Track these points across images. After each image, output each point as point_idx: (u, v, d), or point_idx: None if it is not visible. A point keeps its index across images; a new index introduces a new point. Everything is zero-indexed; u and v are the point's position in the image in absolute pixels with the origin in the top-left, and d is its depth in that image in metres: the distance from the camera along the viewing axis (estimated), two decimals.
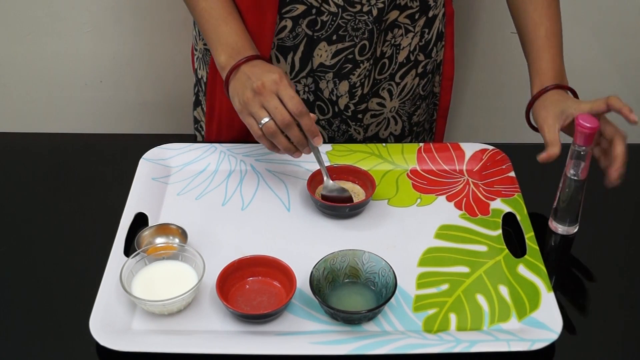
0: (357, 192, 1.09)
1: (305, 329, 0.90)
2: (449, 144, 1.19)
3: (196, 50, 1.27)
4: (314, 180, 1.09)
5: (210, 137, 1.26)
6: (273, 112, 0.99)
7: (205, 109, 1.29)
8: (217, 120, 1.23)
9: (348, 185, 1.10)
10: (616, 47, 1.83)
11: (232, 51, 1.06)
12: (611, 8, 1.76)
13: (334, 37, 1.14)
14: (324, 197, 1.07)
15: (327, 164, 1.12)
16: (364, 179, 1.10)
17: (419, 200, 1.10)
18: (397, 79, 1.23)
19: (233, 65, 1.04)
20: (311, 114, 1.01)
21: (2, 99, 1.86)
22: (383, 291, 0.92)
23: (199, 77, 1.29)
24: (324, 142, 1.24)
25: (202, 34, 1.12)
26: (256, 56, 1.06)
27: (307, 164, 1.15)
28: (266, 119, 0.99)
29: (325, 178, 1.08)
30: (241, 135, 1.23)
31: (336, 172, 1.11)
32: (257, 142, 1.25)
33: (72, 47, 1.77)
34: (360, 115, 1.24)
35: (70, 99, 1.85)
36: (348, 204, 1.05)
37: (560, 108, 1.04)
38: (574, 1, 1.75)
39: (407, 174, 1.15)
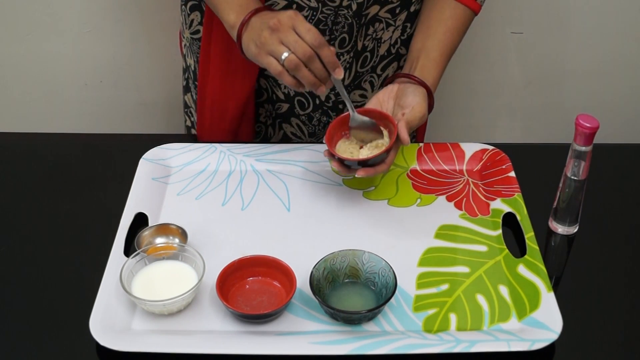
0: (384, 137, 1.06)
1: (305, 329, 0.90)
2: (449, 144, 1.19)
3: (184, 37, 1.28)
4: (331, 136, 1.06)
5: (203, 127, 1.26)
6: (293, 46, 0.97)
7: (194, 96, 1.30)
8: (209, 110, 1.23)
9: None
10: (616, 47, 1.83)
11: (239, 8, 1.05)
12: (611, 8, 1.76)
13: None
14: (352, 129, 1.05)
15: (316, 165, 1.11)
16: (381, 119, 1.06)
17: (419, 200, 1.10)
18: (378, 71, 1.25)
19: (243, 19, 1.03)
20: (330, 47, 0.99)
21: (2, 99, 1.86)
22: (383, 291, 0.92)
23: (188, 64, 1.29)
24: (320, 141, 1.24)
25: (208, 1, 1.11)
26: (263, 7, 1.05)
27: (307, 163, 1.15)
28: (287, 54, 0.98)
29: (350, 111, 1.05)
30: (233, 125, 1.23)
31: (361, 114, 1.07)
32: (256, 142, 1.26)
33: (72, 47, 1.77)
34: (341, 106, 1.25)
35: (70, 99, 1.85)
36: (364, 158, 1.02)
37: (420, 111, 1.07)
38: (575, 1, 1.75)
39: (407, 174, 1.15)
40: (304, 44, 0.97)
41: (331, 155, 1.04)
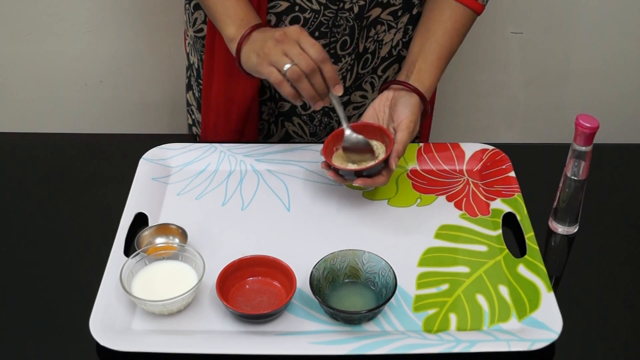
0: (381, 152, 1.07)
1: (305, 329, 0.90)
2: (449, 144, 1.19)
3: (188, 36, 1.28)
4: (328, 148, 1.07)
5: (207, 128, 1.26)
6: (297, 58, 0.98)
7: (196, 94, 1.30)
8: (215, 111, 1.23)
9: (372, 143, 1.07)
10: (616, 47, 1.83)
11: (241, 22, 1.06)
12: (611, 8, 1.76)
13: (316, 34, 1.15)
14: (345, 149, 1.06)
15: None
16: (379, 133, 1.07)
17: (419, 200, 1.10)
18: (379, 72, 1.25)
19: (244, 33, 1.04)
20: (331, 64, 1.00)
21: (2, 99, 1.86)
22: (383, 291, 0.92)
23: (191, 62, 1.30)
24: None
25: (208, 11, 1.11)
26: (264, 24, 1.06)
27: (307, 163, 1.15)
28: (290, 65, 0.98)
29: (345, 128, 1.05)
30: (239, 125, 1.23)
31: (358, 129, 1.08)
32: (256, 142, 1.26)
33: (72, 47, 1.77)
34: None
35: (70, 99, 1.85)
36: (364, 167, 1.03)
37: (410, 122, 1.07)
38: (574, 1, 1.75)
39: (407, 174, 1.15)
40: (307, 58, 0.98)
41: (327, 166, 1.05)
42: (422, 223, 1.06)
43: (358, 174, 1.03)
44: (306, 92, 0.99)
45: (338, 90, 1.01)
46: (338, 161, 1.07)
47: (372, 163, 1.04)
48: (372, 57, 1.22)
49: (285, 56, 0.99)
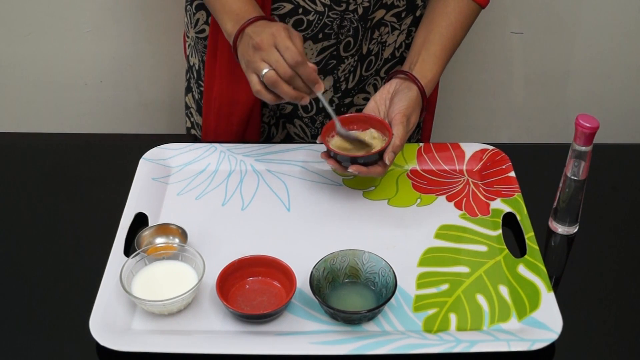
0: (376, 137, 1.07)
1: (305, 329, 0.90)
2: (449, 144, 1.19)
3: (188, 37, 1.28)
4: (327, 131, 1.07)
5: (208, 130, 1.26)
6: (275, 65, 0.98)
7: (195, 96, 1.30)
8: (216, 114, 1.23)
9: (366, 134, 1.08)
10: (616, 47, 1.83)
11: (236, 17, 1.06)
12: (611, 8, 1.76)
13: (320, 36, 1.15)
14: (339, 140, 1.07)
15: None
16: (381, 126, 1.08)
17: (419, 200, 1.10)
18: (382, 74, 1.25)
19: (238, 29, 1.04)
20: (310, 64, 0.99)
21: (2, 99, 1.86)
22: (383, 291, 0.92)
23: (191, 64, 1.29)
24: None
25: (208, 6, 1.11)
26: (260, 17, 1.06)
27: (307, 163, 1.15)
28: (266, 70, 0.98)
29: (336, 124, 1.06)
30: (241, 127, 1.23)
31: (350, 121, 1.09)
32: (257, 142, 1.26)
33: (72, 47, 1.77)
34: (344, 109, 1.25)
35: (70, 99, 1.85)
36: (361, 155, 1.03)
37: (407, 113, 1.07)
38: (575, 1, 1.75)
39: (407, 174, 1.15)
40: (284, 64, 0.98)
41: (327, 155, 1.05)
42: (422, 223, 1.06)
43: (354, 160, 1.03)
44: (285, 96, 1.00)
45: (318, 89, 1.01)
46: (336, 145, 1.07)
47: (372, 150, 1.04)
48: (375, 59, 1.22)
49: (264, 62, 0.99)
